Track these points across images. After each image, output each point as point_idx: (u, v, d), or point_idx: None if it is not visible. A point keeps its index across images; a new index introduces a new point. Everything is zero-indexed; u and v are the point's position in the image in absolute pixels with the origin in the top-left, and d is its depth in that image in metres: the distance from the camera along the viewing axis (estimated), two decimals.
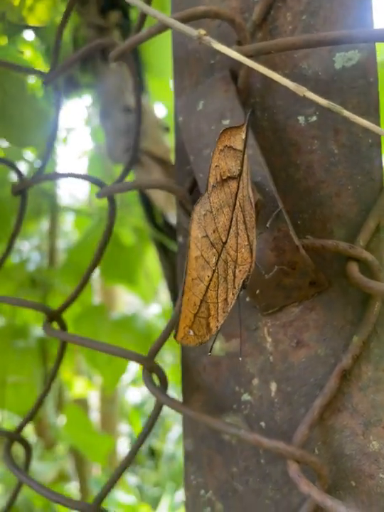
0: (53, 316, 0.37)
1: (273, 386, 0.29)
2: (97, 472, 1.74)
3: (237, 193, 0.23)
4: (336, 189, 0.27)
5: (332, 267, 0.27)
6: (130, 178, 1.00)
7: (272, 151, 0.29)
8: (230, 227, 0.22)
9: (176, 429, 2.14)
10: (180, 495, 2.02)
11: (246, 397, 0.29)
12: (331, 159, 0.28)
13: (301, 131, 0.28)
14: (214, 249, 0.21)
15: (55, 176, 0.42)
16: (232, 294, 0.22)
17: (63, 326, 0.37)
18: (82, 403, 1.58)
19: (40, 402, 0.39)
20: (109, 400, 1.81)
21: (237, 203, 0.23)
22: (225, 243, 0.22)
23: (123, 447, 1.99)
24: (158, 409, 0.31)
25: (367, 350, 0.26)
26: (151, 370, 0.30)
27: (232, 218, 0.22)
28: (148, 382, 0.30)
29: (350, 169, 0.27)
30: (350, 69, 0.27)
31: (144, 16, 0.33)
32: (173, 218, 1.03)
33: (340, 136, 0.27)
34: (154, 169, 0.96)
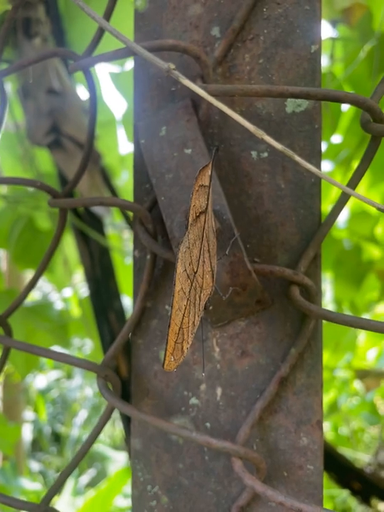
0: None
1: (219, 391, 0.32)
2: None
3: (204, 225, 0.25)
4: (281, 219, 0.31)
5: (275, 288, 0.31)
6: (45, 161, 0.97)
7: (227, 179, 0.32)
8: (199, 257, 0.24)
9: (82, 414, 2.14)
10: (84, 479, 2.02)
11: (194, 400, 0.32)
12: (278, 192, 0.31)
13: (254, 165, 0.32)
14: (189, 281, 0.23)
15: (3, 180, 0.41)
16: (198, 316, 0.25)
17: (9, 332, 0.37)
18: None
19: None
20: (13, 386, 1.76)
21: (204, 233, 0.26)
22: (196, 273, 0.24)
23: (27, 434, 1.95)
24: (109, 412, 0.33)
25: (301, 360, 0.31)
26: (106, 379, 0.32)
27: (200, 249, 0.25)
28: (103, 389, 0.32)
29: (294, 203, 0.31)
30: (299, 114, 0.31)
31: (102, 32, 0.34)
32: (96, 207, 1.02)
33: (287, 173, 0.31)
34: (77, 155, 0.95)
